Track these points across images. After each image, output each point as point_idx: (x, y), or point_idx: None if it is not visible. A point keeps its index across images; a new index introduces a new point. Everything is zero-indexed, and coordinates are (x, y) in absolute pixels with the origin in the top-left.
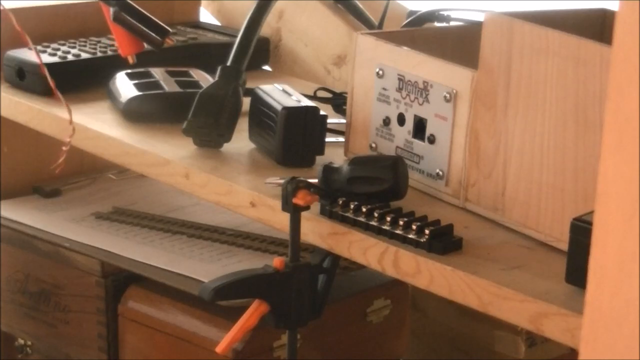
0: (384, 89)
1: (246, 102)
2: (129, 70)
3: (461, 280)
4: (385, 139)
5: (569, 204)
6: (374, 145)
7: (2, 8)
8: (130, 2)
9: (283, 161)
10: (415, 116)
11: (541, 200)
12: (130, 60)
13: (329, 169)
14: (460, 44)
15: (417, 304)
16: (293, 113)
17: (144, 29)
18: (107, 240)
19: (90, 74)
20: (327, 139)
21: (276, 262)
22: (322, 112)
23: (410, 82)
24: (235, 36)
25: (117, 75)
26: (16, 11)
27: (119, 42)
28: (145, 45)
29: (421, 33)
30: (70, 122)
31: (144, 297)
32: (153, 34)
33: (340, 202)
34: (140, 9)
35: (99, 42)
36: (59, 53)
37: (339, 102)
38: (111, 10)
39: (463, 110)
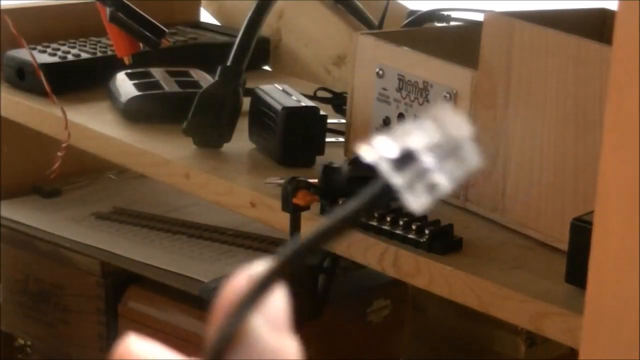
0: (384, 89)
1: (246, 102)
2: (129, 70)
3: (461, 280)
4: None
5: (569, 204)
6: None
7: (1, 9)
8: (127, 2)
9: (283, 161)
10: (416, 116)
11: (541, 200)
12: (126, 61)
13: (329, 169)
14: (460, 44)
15: (417, 304)
16: (293, 113)
17: (141, 29)
18: (107, 240)
19: (90, 74)
20: (327, 139)
21: None
22: (322, 112)
23: (410, 82)
24: (235, 36)
25: (117, 75)
26: (16, 11)
27: (115, 42)
28: (142, 45)
29: (421, 33)
30: (66, 127)
31: (144, 297)
32: (149, 35)
33: (340, 202)
34: (136, 9)
35: (99, 42)
36: (59, 53)
37: (339, 102)
38: (107, 10)
39: (463, 110)
